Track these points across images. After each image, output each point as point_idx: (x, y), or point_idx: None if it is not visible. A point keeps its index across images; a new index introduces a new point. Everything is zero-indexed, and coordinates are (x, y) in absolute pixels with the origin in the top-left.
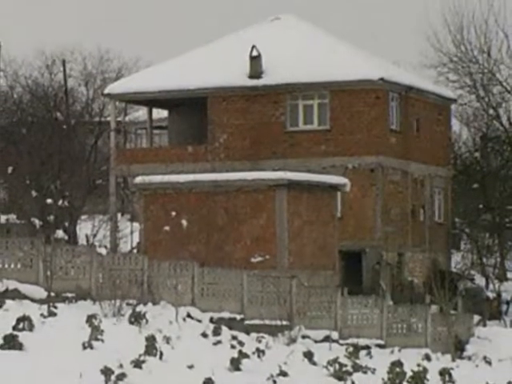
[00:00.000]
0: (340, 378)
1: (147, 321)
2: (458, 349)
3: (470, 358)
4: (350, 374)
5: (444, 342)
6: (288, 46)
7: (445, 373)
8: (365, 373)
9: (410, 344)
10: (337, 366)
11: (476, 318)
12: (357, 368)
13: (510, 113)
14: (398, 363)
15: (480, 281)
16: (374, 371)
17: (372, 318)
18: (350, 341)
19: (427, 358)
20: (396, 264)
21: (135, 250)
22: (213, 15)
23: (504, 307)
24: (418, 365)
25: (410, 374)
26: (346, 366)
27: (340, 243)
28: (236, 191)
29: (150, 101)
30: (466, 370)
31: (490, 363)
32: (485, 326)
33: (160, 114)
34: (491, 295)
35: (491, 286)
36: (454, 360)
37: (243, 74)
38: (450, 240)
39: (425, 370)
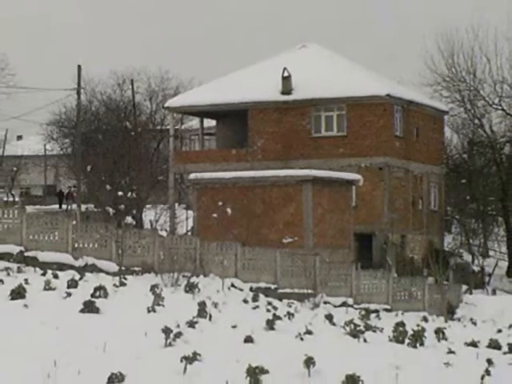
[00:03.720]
0: (354, 336)
1: (199, 289)
2: (449, 312)
3: (459, 320)
4: (363, 332)
5: (438, 307)
6: (313, 69)
7: (439, 331)
8: (374, 331)
9: (411, 308)
10: (352, 325)
11: (464, 287)
12: (368, 327)
13: (491, 122)
14: (401, 324)
15: (467, 257)
16: (381, 330)
17: (380, 288)
18: (362, 306)
19: (425, 319)
20: (399, 244)
21: (189, 233)
22: (252, 43)
23: (486, 279)
24: (418, 325)
25: (411, 332)
26: (359, 326)
27: (354, 227)
28: (270, 185)
29: (202, 112)
30: (456, 329)
31: (475, 324)
32: (471, 293)
33: (209, 123)
34: (476, 269)
35: (476, 262)
36: (446, 321)
37: (277, 91)
38: (443, 225)
39: (423, 329)
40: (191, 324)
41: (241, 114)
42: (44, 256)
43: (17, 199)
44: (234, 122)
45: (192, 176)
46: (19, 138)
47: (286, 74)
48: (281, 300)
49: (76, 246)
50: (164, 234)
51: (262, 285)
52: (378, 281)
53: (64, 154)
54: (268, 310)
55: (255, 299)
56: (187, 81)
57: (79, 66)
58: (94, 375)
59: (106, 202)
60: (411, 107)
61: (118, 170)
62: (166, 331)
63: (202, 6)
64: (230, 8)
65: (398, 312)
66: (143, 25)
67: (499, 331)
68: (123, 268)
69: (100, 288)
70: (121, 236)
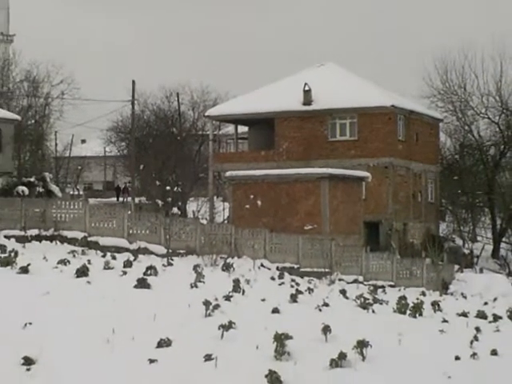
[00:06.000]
0: (364, 307)
1: (234, 269)
2: (444, 288)
3: (452, 294)
4: (371, 304)
5: (434, 283)
6: (329, 83)
7: (435, 304)
8: (381, 304)
9: (411, 284)
10: (362, 299)
11: (456, 267)
12: (376, 301)
13: (479, 129)
14: (403, 297)
15: (459, 242)
16: (387, 303)
17: (386, 267)
18: (370, 282)
19: (423, 294)
20: (402, 230)
21: (226, 221)
22: (277, 63)
23: (475, 260)
24: (417, 298)
25: (411, 305)
26: (368, 299)
27: (364, 216)
28: (294, 181)
29: (236, 120)
30: (449, 302)
31: (465, 297)
32: (462, 272)
33: (243, 129)
34: (466, 251)
35: (466, 246)
36: (441, 295)
37: (299, 102)
38: (439, 214)
39: (421, 302)
40: (227, 297)
41: (269, 121)
42: (104, 240)
43: (81, 193)
44: (263, 128)
45: (228, 173)
46: (83, 141)
47: (306, 88)
48: (302, 277)
49: (131, 232)
50: (204, 222)
51: (287, 265)
52: (383, 261)
53: (121, 155)
54: (292, 286)
55: (281, 277)
56: (224, 93)
57: (133, 81)
58: (145, 340)
59: (156, 196)
60: (412, 116)
61: (166, 168)
62: (206, 304)
63: (237, 32)
64: (261, 32)
65: (401, 288)
66: (187, 46)
67: (485, 304)
68: (170, 251)
69: (151, 267)
70: (168, 224)
